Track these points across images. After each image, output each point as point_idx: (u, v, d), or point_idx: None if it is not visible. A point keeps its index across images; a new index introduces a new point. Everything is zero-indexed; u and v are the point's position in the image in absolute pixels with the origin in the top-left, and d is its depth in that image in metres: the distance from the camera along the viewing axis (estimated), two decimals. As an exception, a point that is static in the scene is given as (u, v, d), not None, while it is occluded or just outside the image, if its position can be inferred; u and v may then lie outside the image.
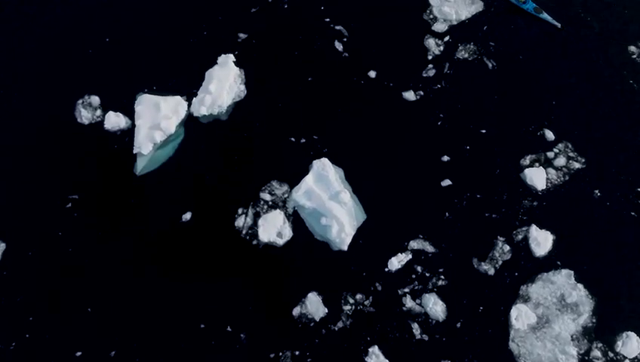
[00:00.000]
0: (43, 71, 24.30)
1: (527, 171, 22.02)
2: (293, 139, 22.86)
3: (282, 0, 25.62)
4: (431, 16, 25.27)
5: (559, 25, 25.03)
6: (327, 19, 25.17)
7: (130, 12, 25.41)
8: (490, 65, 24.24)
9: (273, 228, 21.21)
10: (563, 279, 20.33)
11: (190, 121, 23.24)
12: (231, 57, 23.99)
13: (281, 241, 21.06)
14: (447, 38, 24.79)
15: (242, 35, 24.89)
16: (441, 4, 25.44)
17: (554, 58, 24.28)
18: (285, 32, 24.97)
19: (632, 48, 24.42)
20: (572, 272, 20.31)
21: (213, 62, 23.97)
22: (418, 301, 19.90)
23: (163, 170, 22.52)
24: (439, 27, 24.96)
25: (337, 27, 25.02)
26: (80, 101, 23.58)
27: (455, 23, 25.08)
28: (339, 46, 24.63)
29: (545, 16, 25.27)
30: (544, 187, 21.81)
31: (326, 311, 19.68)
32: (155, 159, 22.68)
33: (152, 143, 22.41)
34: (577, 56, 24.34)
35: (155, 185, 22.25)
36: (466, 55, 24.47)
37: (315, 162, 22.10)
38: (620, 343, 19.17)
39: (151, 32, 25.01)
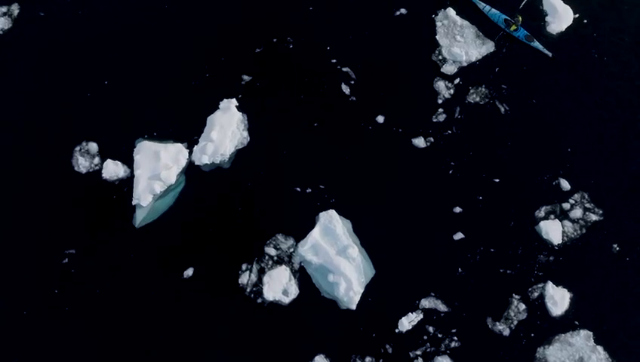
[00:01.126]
0: (39, 116, 23.40)
1: (542, 224, 21.16)
2: (298, 188, 21.99)
3: (287, 40, 24.75)
4: (440, 57, 24.42)
5: (550, 54, 24.31)
6: (334, 61, 24.31)
7: (129, 54, 24.50)
8: (502, 109, 23.39)
9: (279, 286, 20.34)
10: (581, 341, 19.45)
11: (191, 170, 22.36)
12: (233, 102, 23.14)
13: (286, 300, 20.18)
14: (457, 81, 23.95)
15: (246, 77, 24.02)
16: (451, 44, 24.59)
17: (569, 102, 23.42)
18: (290, 73, 24.11)
19: (649, 91, 23.70)
20: (591, 333, 19.48)
21: (215, 107, 23.11)
22: (430, 365, 19.09)
23: (163, 222, 21.64)
24: (449, 69, 24.11)
25: (344, 69, 24.17)
26: (77, 148, 22.70)
27: (465, 64, 24.22)
28: (346, 89, 23.77)
29: (536, 44, 24.49)
30: (560, 241, 20.95)
31: (334, 376, 18.85)
32: (155, 210, 21.80)
33: (152, 195, 21.52)
34: (594, 101, 23.48)
35: (155, 238, 21.37)
36: (478, 98, 23.62)
37: (321, 214, 21.23)
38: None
39: (151, 75, 24.12)
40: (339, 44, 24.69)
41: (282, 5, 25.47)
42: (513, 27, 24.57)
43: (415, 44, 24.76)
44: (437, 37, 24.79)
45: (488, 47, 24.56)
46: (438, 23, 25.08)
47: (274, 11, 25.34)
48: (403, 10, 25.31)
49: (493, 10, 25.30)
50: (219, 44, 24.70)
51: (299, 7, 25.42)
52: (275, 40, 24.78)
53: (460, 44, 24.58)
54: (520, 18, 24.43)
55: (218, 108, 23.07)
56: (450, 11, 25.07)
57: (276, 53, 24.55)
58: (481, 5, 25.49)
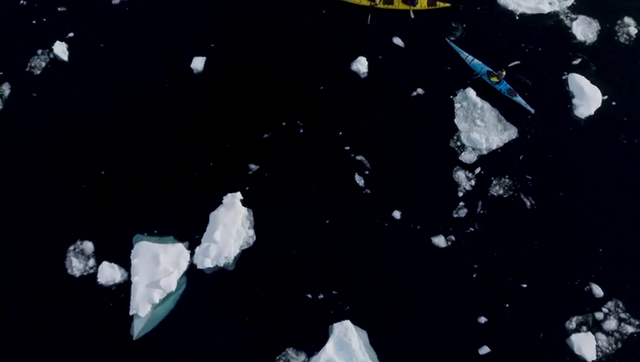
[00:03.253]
0: (29, 210, 21.72)
1: (574, 338, 19.49)
2: (309, 295, 20.32)
3: (297, 125, 23.16)
4: (458, 144, 22.84)
5: (533, 110, 23.11)
6: (347, 148, 22.71)
7: (127, 141, 22.84)
8: (528, 203, 21.78)
9: (289, 409, 18.71)
10: None
11: (193, 273, 20.69)
12: (238, 196, 21.51)
13: None
14: (478, 170, 22.34)
15: (252, 167, 22.41)
16: (470, 129, 23.02)
17: (600, 196, 21.80)
18: (300, 163, 22.49)
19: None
20: None
21: (218, 200, 21.48)
22: None
23: (163, 331, 19.94)
24: (468, 157, 22.52)
25: (358, 157, 22.55)
26: (71, 248, 21.04)
27: (485, 152, 22.61)
28: (360, 180, 22.16)
29: (519, 99, 23.28)
30: (594, 357, 19.27)
31: None
32: (154, 318, 20.11)
33: (151, 304, 19.86)
34: (629, 196, 21.82)
35: (155, 349, 19.68)
36: (501, 191, 22.02)
37: (335, 326, 19.57)
38: None
39: (151, 165, 22.44)
40: (352, 128, 23.09)
41: (291, 86, 23.91)
42: (494, 78, 23.38)
43: (432, 129, 23.16)
44: (455, 120, 23.22)
45: (510, 133, 22.96)
46: (457, 105, 23.53)
47: (282, 93, 23.77)
48: (420, 90, 23.75)
49: (476, 60, 24.10)
50: (224, 130, 23.06)
51: (309, 88, 23.86)
52: (284, 124, 23.18)
53: (480, 129, 22.99)
54: (504, 72, 23.30)
55: (222, 203, 21.50)
56: (470, 91, 23.52)
57: (285, 139, 22.93)
58: (464, 55, 24.28)
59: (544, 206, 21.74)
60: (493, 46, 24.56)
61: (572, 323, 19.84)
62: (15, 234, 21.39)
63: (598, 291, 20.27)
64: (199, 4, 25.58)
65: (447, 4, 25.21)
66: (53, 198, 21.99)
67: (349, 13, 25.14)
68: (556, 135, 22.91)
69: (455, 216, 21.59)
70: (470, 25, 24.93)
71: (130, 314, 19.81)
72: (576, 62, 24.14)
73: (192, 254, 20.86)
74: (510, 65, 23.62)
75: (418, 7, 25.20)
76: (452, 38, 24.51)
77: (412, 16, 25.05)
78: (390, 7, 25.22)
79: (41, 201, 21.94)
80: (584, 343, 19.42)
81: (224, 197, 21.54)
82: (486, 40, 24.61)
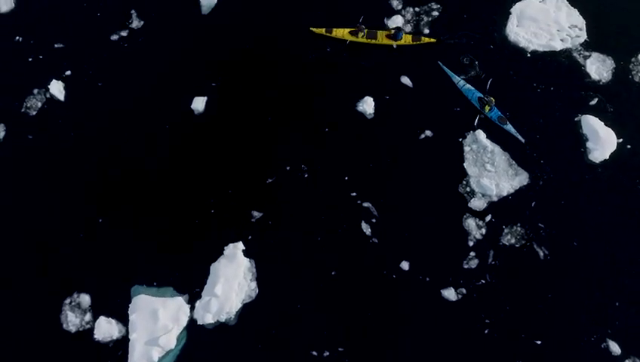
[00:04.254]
0: (23, 261, 20.96)
1: (591, 399, 18.78)
2: (315, 353, 19.53)
3: (301, 169, 22.38)
4: (468, 189, 22.02)
5: (523, 140, 22.51)
6: (353, 194, 21.90)
7: (125, 187, 22.07)
8: (541, 253, 20.96)
9: None
10: None
11: (193, 327, 19.91)
12: (240, 247, 20.76)
13: None
14: (489, 218, 21.52)
15: (256, 214, 21.62)
16: (480, 174, 22.19)
17: (617, 247, 20.95)
18: (305, 210, 21.69)
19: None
20: None
21: (220, 250, 20.75)
22: None
23: (162, 390, 19.27)
24: (478, 204, 21.70)
25: (365, 204, 21.75)
26: (67, 301, 20.30)
27: (496, 198, 21.77)
28: (366, 228, 21.35)
29: (509, 127, 22.70)
30: (613, 420, 18.55)
31: None
32: (153, 376, 19.44)
33: (149, 363, 19.18)
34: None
35: (153, 410, 18.98)
36: (513, 240, 21.20)
37: (341, 387, 18.85)
38: None
39: (150, 211, 21.70)
40: (358, 173, 22.29)
41: (295, 128, 23.11)
42: (487, 107, 22.77)
43: (441, 174, 22.33)
44: (465, 164, 22.40)
45: (522, 178, 22.13)
46: (467, 148, 22.72)
47: (286, 135, 22.98)
48: (428, 133, 22.95)
49: (468, 85, 23.52)
50: (226, 175, 22.27)
51: (313, 130, 23.06)
52: (288, 168, 22.39)
53: (491, 174, 22.16)
54: (493, 99, 22.71)
55: (223, 253, 20.73)
56: (480, 134, 22.72)
57: (289, 184, 22.13)
58: (456, 79, 23.67)
59: (558, 256, 20.91)
60: (503, 84, 23.77)
61: (588, 384, 19.11)
62: (8, 286, 20.64)
63: (615, 348, 19.45)
64: (200, 41, 24.83)
65: (433, 40, 24.38)
66: (49, 247, 21.25)
67: (355, 52, 24.35)
68: (570, 181, 22.06)
69: (466, 266, 20.78)
70: (481, 62, 24.13)
71: (128, 373, 19.12)
72: (590, 102, 23.30)
73: (192, 308, 20.11)
74: (487, 86, 23.30)
75: (402, 42, 24.36)
76: (462, 78, 23.75)
77: (394, 46, 24.37)
78: (373, 41, 24.41)
79: (37, 250, 21.21)
80: (601, 405, 18.69)
81: (225, 248, 20.80)
82: (497, 78, 23.79)
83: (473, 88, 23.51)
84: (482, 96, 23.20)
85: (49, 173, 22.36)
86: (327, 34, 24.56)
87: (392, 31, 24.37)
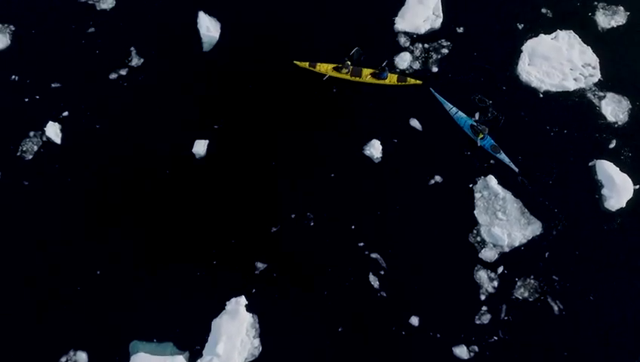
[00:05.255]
0: (18, 318, 20.11)
1: None
2: (321, 414, 18.86)
3: (307, 216, 21.57)
4: (478, 239, 21.24)
5: (517, 169, 21.98)
6: (361, 244, 21.12)
7: (124, 236, 21.27)
8: (556, 307, 20.18)
9: None
10: None
11: (195, 388, 19.25)
12: (242, 302, 19.98)
13: None
14: (500, 270, 20.73)
15: (260, 266, 20.83)
16: (491, 222, 21.40)
17: (637, 299, 20.15)
18: (310, 261, 20.89)
19: None
20: None
21: (221, 304, 19.97)
22: None
23: None
24: (489, 254, 20.92)
25: (373, 255, 20.97)
26: (64, 359, 19.49)
27: (507, 249, 20.98)
28: (374, 281, 20.57)
29: (502, 156, 22.18)
30: None
31: None
32: None
33: None
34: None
35: None
36: (526, 294, 20.43)
37: None
38: None
39: (149, 262, 20.88)
40: (365, 221, 21.50)
41: (300, 173, 22.33)
42: (480, 135, 22.25)
43: (451, 222, 21.54)
44: (475, 212, 21.62)
45: (534, 228, 21.32)
46: (477, 195, 21.94)
47: (291, 181, 22.20)
48: (438, 178, 22.16)
49: (460, 112, 22.96)
50: (228, 224, 21.46)
51: (319, 175, 22.27)
52: (293, 216, 21.60)
53: (502, 223, 21.38)
54: (486, 128, 22.25)
55: (225, 308, 19.96)
56: (492, 180, 21.94)
57: (294, 233, 21.33)
58: (448, 106, 23.10)
59: (574, 311, 20.13)
60: (515, 126, 23.00)
61: None
62: (1, 345, 19.89)
63: (633, 411, 18.78)
64: (202, 80, 24.05)
65: (419, 82, 23.58)
66: (45, 299, 20.43)
67: (362, 92, 23.58)
68: (584, 230, 21.28)
69: (478, 322, 19.99)
70: (492, 103, 23.37)
71: None
72: (606, 146, 22.55)
73: (193, 368, 19.41)
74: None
75: (387, 82, 23.59)
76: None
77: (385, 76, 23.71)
78: (357, 79, 23.64)
79: (32, 303, 20.38)
80: None
81: (227, 303, 20.02)
82: (508, 119, 23.02)
83: (465, 116, 22.91)
84: (475, 123, 22.57)
85: (45, 221, 21.48)
86: (311, 68, 23.85)
87: (378, 70, 23.67)
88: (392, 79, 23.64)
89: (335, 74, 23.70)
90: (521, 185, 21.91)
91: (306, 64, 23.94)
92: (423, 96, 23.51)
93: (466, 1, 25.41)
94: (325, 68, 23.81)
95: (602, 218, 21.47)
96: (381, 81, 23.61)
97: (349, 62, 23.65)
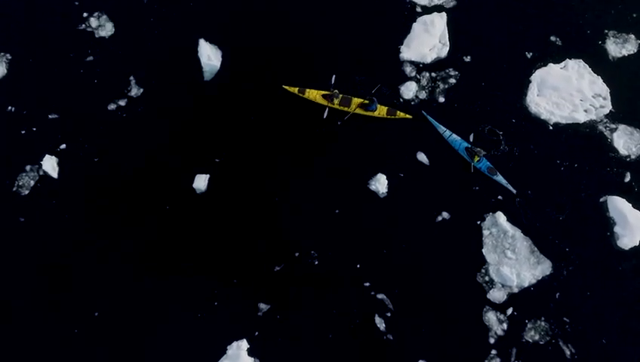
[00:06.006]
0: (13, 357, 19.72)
1: None
2: None
3: (311, 255, 20.92)
4: (487, 279, 20.66)
5: (514, 191, 21.55)
6: (367, 284, 20.52)
7: (122, 278, 20.65)
8: (567, 351, 19.60)
9: None
10: None
11: None
12: (244, 346, 19.42)
13: None
14: (510, 311, 20.15)
15: (262, 306, 20.22)
16: (500, 261, 20.81)
17: (647, 346, 19.72)
18: (314, 302, 20.26)
19: None
20: None
21: (222, 350, 19.42)
22: None
23: None
24: (497, 295, 20.33)
25: (379, 296, 20.37)
26: (60, 405, 19.06)
27: (516, 290, 20.40)
28: (380, 323, 19.99)
29: (499, 178, 21.74)
30: None
31: None
32: None
33: None
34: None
35: None
36: (537, 336, 19.85)
37: None
38: None
39: (146, 303, 20.25)
40: (371, 260, 20.92)
41: (304, 210, 21.71)
42: (476, 158, 21.83)
43: (459, 261, 20.92)
44: (484, 251, 21.02)
45: (544, 267, 20.74)
46: (486, 232, 21.34)
47: (294, 217, 21.59)
48: (445, 215, 21.56)
49: (454, 135, 22.49)
50: (230, 264, 20.84)
51: (322, 211, 21.66)
52: (297, 254, 21.00)
53: (511, 262, 20.79)
54: (481, 150, 21.87)
55: (226, 353, 19.40)
56: (500, 217, 21.35)
57: (298, 272, 20.71)
58: (442, 129, 22.63)
59: (586, 355, 19.57)
60: (524, 160, 22.40)
61: None
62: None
63: None
64: (203, 111, 23.40)
65: (409, 116, 22.86)
66: (39, 342, 19.89)
67: (367, 125, 22.94)
68: (596, 270, 20.68)
69: (487, 367, 19.50)
70: (502, 135, 22.79)
71: None
72: (618, 181, 21.95)
73: (193, 417, 18.85)
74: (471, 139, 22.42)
75: (377, 114, 22.84)
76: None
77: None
78: (345, 109, 22.90)
79: (27, 346, 19.87)
80: None
81: (229, 347, 19.49)
82: (517, 153, 22.43)
83: (460, 138, 22.42)
84: (470, 146, 22.08)
85: (42, 260, 20.90)
86: (300, 94, 23.22)
87: (367, 99, 22.97)
88: (381, 111, 22.92)
89: (323, 101, 23.02)
90: (525, 219, 21.35)
91: (295, 89, 23.33)
92: (429, 129, 22.91)
93: (473, 29, 24.76)
94: (314, 95, 23.17)
95: (615, 257, 20.86)
96: (369, 113, 22.91)
97: (337, 91, 22.95)
